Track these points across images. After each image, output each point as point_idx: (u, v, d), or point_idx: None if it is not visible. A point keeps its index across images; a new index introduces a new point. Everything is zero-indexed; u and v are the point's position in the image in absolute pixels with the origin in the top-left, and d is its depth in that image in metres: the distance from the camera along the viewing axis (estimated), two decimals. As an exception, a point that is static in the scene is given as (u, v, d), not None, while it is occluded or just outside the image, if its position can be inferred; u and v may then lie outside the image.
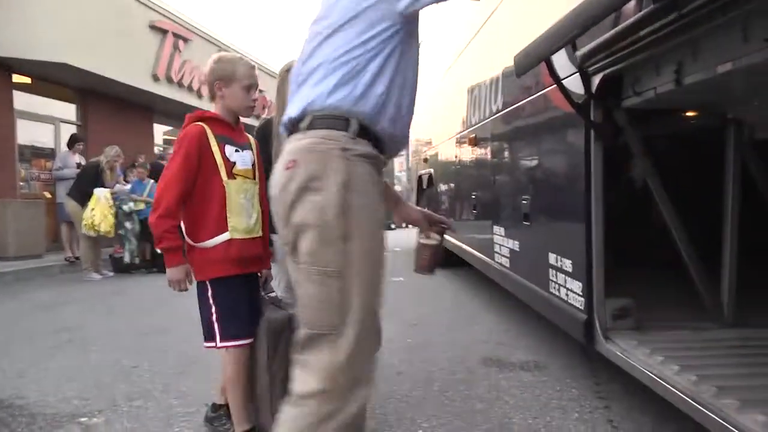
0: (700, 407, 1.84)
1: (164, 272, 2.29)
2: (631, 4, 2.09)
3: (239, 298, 2.33)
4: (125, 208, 8.38)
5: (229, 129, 2.41)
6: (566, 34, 2.03)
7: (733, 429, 1.68)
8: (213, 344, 2.32)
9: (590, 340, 2.64)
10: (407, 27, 1.57)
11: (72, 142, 9.41)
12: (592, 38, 2.30)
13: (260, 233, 2.42)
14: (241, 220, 2.32)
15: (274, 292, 2.64)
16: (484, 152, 5.01)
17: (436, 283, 6.80)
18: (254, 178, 2.43)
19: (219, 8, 40.33)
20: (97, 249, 8.14)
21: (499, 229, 4.31)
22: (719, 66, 1.83)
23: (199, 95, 13.99)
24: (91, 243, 7.92)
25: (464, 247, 5.85)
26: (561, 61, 2.75)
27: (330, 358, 1.43)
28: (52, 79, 10.21)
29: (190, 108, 13.90)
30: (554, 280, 3.05)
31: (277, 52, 47.31)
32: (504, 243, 4.13)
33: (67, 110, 11.05)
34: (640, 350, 2.35)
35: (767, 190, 2.97)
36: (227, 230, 2.29)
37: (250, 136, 2.56)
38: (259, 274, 2.51)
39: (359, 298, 1.44)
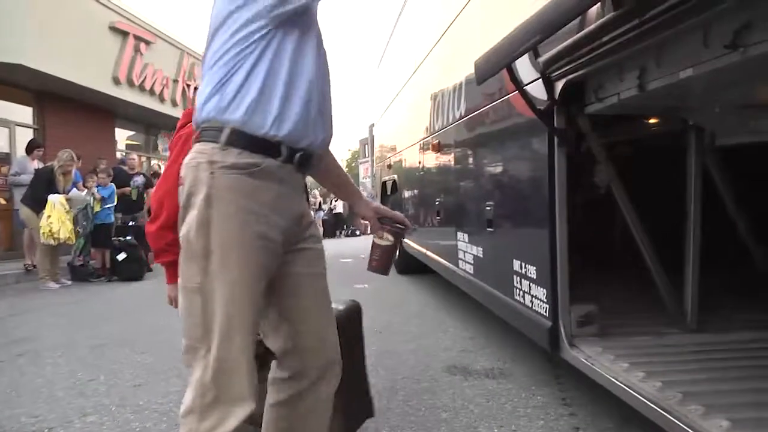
0: (665, 413, 1.83)
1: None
2: (594, 10, 2.09)
3: None
4: (88, 204, 8.30)
5: None
6: (526, 40, 2.01)
7: (699, 435, 1.67)
8: None
9: (555, 347, 2.62)
10: (289, 25, 1.49)
11: (31, 147, 9.09)
12: (554, 44, 2.28)
13: None
14: None
15: None
16: (447, 158, 4.99)
17: (401, 289, 6.78)
18: None
19: (182, 11, 39.85)
20: (55, 257, 7.90)
21: (463, 236, 4.29)
22: (681, 72, 1.83)
23: (162, 99, 13.77)
24: (49, 251, 7.69)
25: (428, 253, 5.82)
26: (523, 66, 2.74)
27: (200, 374, 1.41)
28: (7, 81, 9.91)
29: (153, 112, 13.73)
30: (519, 286, 3.04)
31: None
32: (468, 249, 4.11)
33: (24, 113, 10.74)
34: (605, 357, 2.34)
35: (729, 195, 3.01)
36: None
37: None
38: None
39: (222, 316, 1.40)
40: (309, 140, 1.55)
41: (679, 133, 2.80)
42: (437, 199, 5.39)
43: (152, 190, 6.89)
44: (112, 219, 8.72)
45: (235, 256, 1.41)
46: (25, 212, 7.83)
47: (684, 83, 1.88)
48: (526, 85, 2.72)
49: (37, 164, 8.95)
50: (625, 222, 2.70)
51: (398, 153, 8.04)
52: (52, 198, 7.62)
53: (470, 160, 4.33)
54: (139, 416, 2.87)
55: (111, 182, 8.84)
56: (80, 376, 3.56)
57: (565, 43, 2.20)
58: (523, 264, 2.98)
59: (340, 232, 21.91)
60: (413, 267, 7.34)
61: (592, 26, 1.99)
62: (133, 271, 8.25)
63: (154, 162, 15.19)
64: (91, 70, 10.89)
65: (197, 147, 1.47)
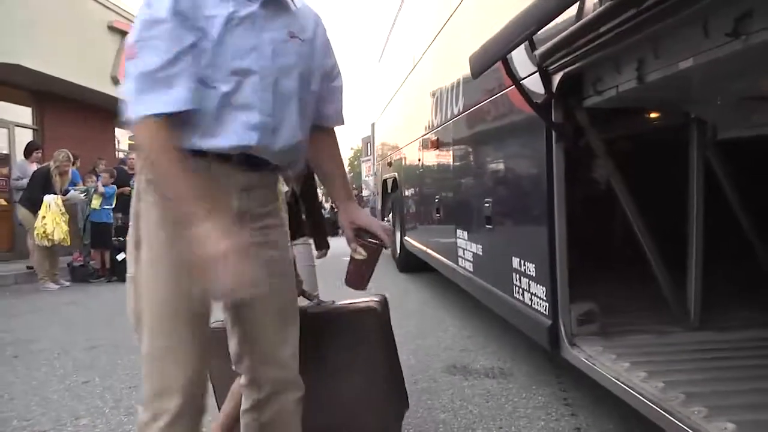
0: (667, 415, 1.78)
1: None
2: (591, 0, 2.03)
3: None
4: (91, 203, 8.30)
5: None
6: (521, 32, 1.96)
7: (702, 438, 1.62)
8: None
9: (555, 346, 2.57)
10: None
11: (29, 150, 9.04)
12: (551, 36, 2.23)
13: None
14: None
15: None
16: (445, 155, 4.94)
17: (400, 288, 6.73)
18: None
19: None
20: (54, 258, 7.86)
21: (462, 233, 4.23)
22: (681, 62, 1.78)
23: (162, 98, 13.71)
24: (46, 252, 7.64)
25: (428, 251, 5.78)
26: (520, 60, 2.69)
27: (142, 364, 1.43)
28: (6, 81, 9.86)
29: (153, 111, 13.67)
30: (518, 284, 2.98)
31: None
32: (467, 247, 4.06)
33: (23, 113, 10.70)
34: (606, 356, 2.29)
35: (732, 190, 2.95)
36: None
37: None
38: None
39: (148, 307, 1.40)
40: (283, 144, 1.49)
41: (680, 126, 2.74)
42: (436, 197, 5.35)
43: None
44: (112, 219, 8.68)
45: (163, 249, 1.38)
46: (22, 213, 7.82)
47: (684, 74, 1.83)
48: (523, 79, 2.66)
49: (35, 166, 8.92)
50: (625, 218, 2.65)
51: (398, 151, 8.02)
52: (48, 198, 7.60)
53: (468, 156, 4.29)
54: (132, 418, 2.82)
55: (113, 183, 8.80)
56: (75, 378, 3.52)
57: (562, 35, 2.14)
58: (522, 261, 2.92)
59: (342, 231, 21.76)
60: (413, 265, 7.31)
61: (590, 16, 1.93)
62: (132, 272, 8.20)
63: (154, 162, 15.13)
64: (90, 70, 10.83)
65: None
